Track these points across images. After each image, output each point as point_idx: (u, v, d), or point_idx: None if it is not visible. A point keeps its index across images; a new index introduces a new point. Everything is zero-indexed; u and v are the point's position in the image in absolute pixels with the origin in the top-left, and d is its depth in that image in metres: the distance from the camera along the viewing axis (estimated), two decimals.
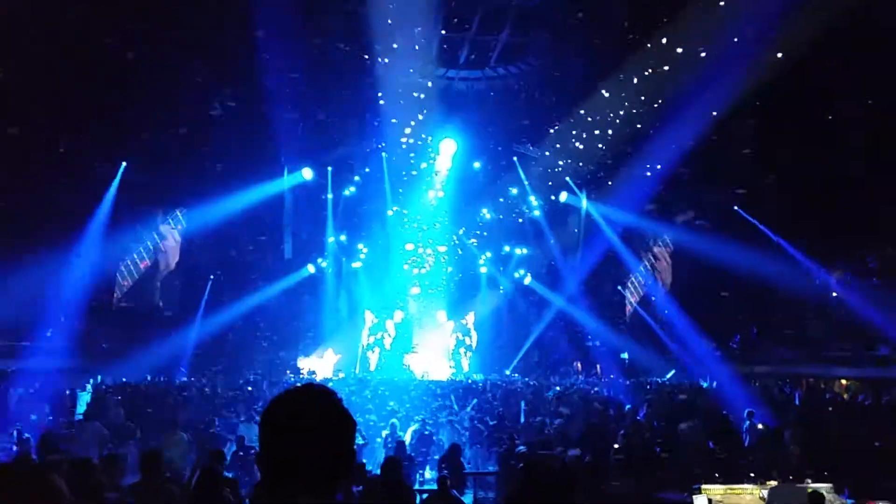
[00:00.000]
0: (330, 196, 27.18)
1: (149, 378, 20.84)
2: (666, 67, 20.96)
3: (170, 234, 25.91)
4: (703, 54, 19.79)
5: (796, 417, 13.41)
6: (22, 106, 17.93)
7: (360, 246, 28.63)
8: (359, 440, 12.67)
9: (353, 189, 27.77)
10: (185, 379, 21.43)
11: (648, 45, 20.56)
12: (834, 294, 23.20)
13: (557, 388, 20.82)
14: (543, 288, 28.10)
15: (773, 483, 7.97)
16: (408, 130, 25.72)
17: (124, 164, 23.05)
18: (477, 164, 27.68)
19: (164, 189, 24.50)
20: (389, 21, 20.43)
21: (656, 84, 21.33)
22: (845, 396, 19.89)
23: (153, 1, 18.05)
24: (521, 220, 28.85)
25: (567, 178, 26.93)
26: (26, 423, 15.13)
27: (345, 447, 1.90)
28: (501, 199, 28.64)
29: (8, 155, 18.47)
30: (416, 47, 22.24)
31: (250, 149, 23.35)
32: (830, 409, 16.65)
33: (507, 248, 29.27)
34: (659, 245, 28.09)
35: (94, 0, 17.16)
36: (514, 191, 28.20)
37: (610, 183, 26.04)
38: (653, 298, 27.62)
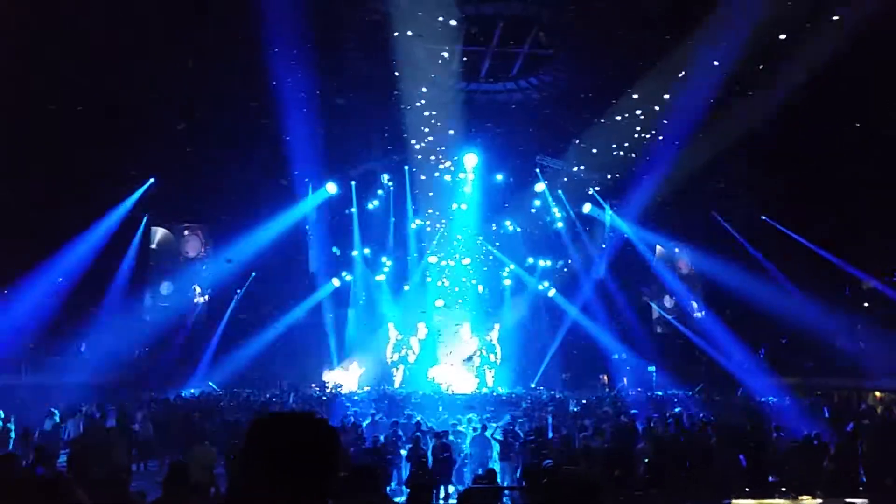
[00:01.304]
0: (354, 210, 27.36)
1: (180, 392, 21.10)
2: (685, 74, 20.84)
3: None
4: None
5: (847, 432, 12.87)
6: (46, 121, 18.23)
7: (384, 259, 28.74)
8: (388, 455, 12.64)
9: (376, 203, 27.92)
10: (214, 392, 21.60)
11: (674, 52, 20.45)
12: (865, 304, 22.80)
13: (584, 402, 20.73)
14: (567, 301, 27.99)
15: (807, 499, 7.78)
16: (430, 142, 25.76)
17: (152, 179, 23.40)
18: (499, 177, 27.68)
19: (188, 205, 24.95)
20: (410, 34, 20.56)
21: (680, 93, 21.18)
22: (879, 410, 19.41)
23: (177, 17, 18.19)
24: (545, 232, 28.74)
25: (591, 190, 26.84)
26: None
27: (315, 481, 1.86)
28: (524, 212, 28.55)
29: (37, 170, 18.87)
30: (438, 61, 22.35)
31: (274, 165, 23.61)
32: (866, 422, 16.20)
33: (530, 261, 29.17)
34: (684, 256, 27.75)
35: (118, 19, 17.35)
36: (538, 203, 28.16)
37: (633, 194, 25.74)
38: (679, 308, 27.31)
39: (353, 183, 26.76)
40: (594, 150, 25.13)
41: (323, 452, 1.89)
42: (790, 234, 23.40)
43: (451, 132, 25.19)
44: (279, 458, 1.83)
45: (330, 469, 1.90)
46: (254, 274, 25.91)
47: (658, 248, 27.52)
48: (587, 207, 27.30)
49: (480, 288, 29.21)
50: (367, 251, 28.23)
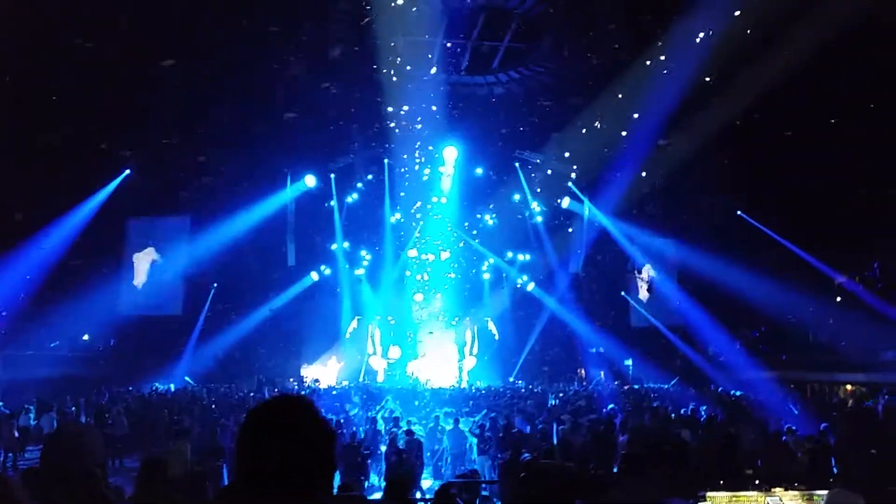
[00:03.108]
0: (334, 203, 27.23)
1: (156, 387, 20.85)
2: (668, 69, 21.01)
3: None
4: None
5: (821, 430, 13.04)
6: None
7: (363, 253, 28.64)
8: (363, 451, 12.61)
9: (355, 196, 27.80)
10: (190, 387, 21.39)
11: (656, 44, 20.56)
12: (838, 298, 23.15)
13: (561, 395, 20.83)
14: (545, 294, 28.07)
15: (779, 490, 7.93)
16: (410, 135, 25.69)
17: (127, 171, 23.12)
18: (479, 171, 27.65)
19: (167, 196, 24.65)
20: (392, 28, 20.48)
21: (661, 87, 21.23)
22: (850, 403, 19.79)
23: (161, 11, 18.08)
24: (523, 226, 28.78)
25: (570, 184, 26.92)
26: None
27: (319, 458, 1.91)
28: (504, 205, 28.55)
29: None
30: (419, 54, 22.25)
31: (253, 156, 23.40)
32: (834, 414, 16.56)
33: (510, 255, 29.21)
34: (662, 252, 27.99)
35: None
36: (517, 197, 28.19)
37: (612, 188, 25.96)
38: (657, 301, 27.57)
39: (332, 176, 26.56)
40: (574, 144, 25.21)
41: (321, 449, 1.93)
42: (764, 229, 23.76)
43: (432, 126, 25.07)
44: (277, 452, 1.86)
45: (328, 465, 1.94)
46: (237, 261, 25.62)
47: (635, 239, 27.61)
48: (566, 202, 27.36)
49: (457, 281, 29.25)
50: (346, 245, 28.06)
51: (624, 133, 23.92)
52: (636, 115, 23.00)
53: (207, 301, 25.92)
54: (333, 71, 22.08)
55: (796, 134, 20.49)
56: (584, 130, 24.43)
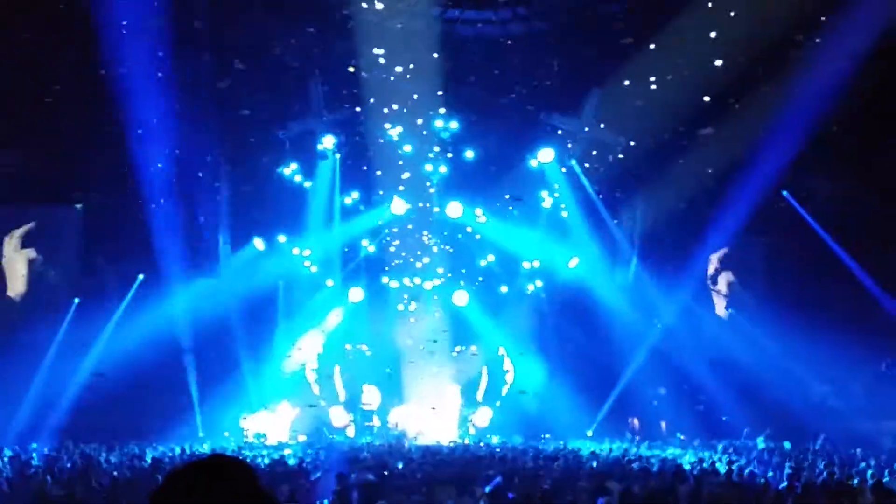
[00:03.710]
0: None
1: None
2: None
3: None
4: None
5: None
6: None
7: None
8: None
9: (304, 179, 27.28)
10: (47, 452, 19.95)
11: None
12: None
13: (606, 454, 19.97)
14: (575, 311, 28.07)
15: None
16: (391, 93, 24.96)
17: None
18: (470, 154, 26.88)
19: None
20: None
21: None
22: None
23: None
24: (552, 218, 27.98)
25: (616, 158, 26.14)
26: None
27: None
28: (523, 190, 27.49)
29: None
30: None
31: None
32: None
33: (525, 265, 28.84)
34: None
35: None
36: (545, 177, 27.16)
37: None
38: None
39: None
40: (623, 106, 24.48)
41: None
42: None
43: (421, 83, 24.38)
44: None
45: None
46: (141, 276, 25.22)
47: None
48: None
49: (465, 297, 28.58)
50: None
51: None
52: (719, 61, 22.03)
53: (111, 322, 25.05)
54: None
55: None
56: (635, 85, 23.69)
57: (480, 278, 29.33)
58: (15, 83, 21.62)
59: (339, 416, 27.19)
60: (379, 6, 22.30)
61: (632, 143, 25.60)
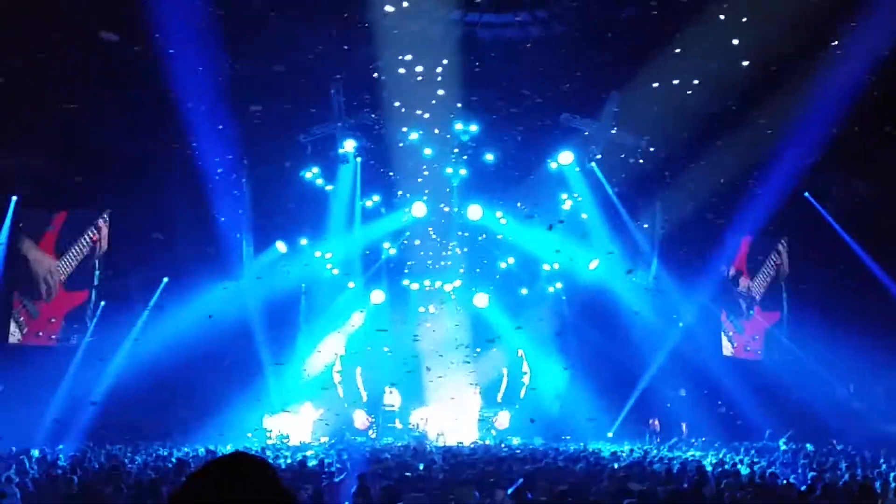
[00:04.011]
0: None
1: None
2: None
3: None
4: None
5: None
6: None
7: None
8: None
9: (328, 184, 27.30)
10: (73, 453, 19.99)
11: None
12: None
13: (629, 455, 19.88)
14: (595, 313, 27.99)
15: None
16: (412, 98, 24.66)
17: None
18: (490, 157, 26.88)
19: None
20: None
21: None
22: None
23: None
24: (572, 219, 27.67)
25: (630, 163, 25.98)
26: None
27: None
28: (542, 192, 27.48)
29: None
30: None
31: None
32: None
33: (545, 268, 28.93)
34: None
35: None
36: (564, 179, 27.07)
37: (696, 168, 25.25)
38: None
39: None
40: (643, 108, 24.23)
41: None
42: None
43: (442, 86, 24.20)
44: None
45: None
46: (165, 280, 25.23)
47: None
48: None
49: (485, 299, 28.52)
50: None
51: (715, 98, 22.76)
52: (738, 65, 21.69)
53: (137, 327, 24.90)
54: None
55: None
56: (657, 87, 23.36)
57: (497, 276, 29.49)
58: (39, 86, 21.63)
59: (360, 418, 27.23)
60: (399, 10, 21.98)
61: (651, 147, 25.34)
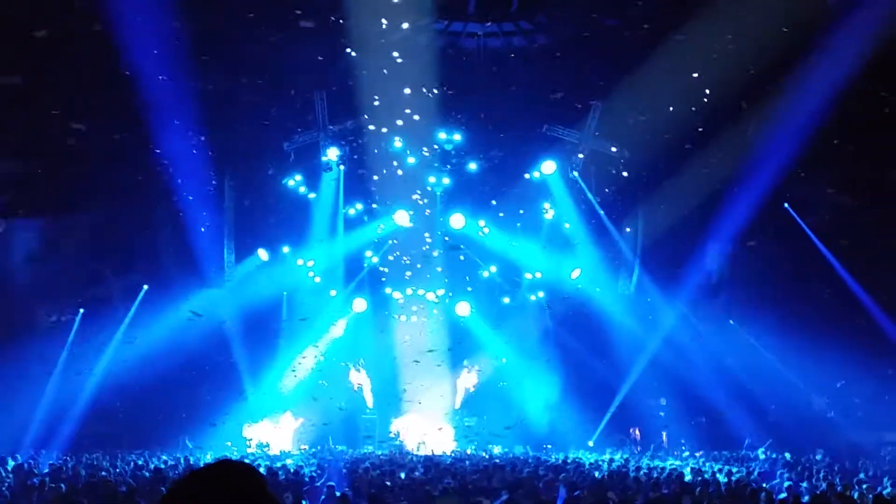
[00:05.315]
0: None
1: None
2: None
3: None
4: None
5: None
6: None
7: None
8: None
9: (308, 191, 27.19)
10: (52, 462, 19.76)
11: None
12: None
13: (610, 464, 19.82)
14: (575, 323, 27.79)
15: None
16: (393, 105, 24.64)
17: None
18: (473, 166, 26.93)
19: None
20: None
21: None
22: None
23: None
24: (554, 229, 27.81)
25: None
26: None
27: None
28: (524, 201, 27.62)
29: None
30: None
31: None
32: None
33: (527, 276, 28.76)
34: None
35: None
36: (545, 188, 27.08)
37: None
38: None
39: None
40: (623, 119, 24.58)
41: None
42: None
43: (424, 90, 24.14)
44: None
45: None
46: (146, 287, 25.09)
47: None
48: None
49: (467, 308, 28.47)
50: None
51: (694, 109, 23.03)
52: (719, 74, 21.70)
53: (116, 336, 24.79)
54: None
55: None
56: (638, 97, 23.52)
57: (468, 290, 29.20)
58: (20, 93, 21.48)
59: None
60: (383, 19, 22.14)
61: (633, 157, 25.57)
